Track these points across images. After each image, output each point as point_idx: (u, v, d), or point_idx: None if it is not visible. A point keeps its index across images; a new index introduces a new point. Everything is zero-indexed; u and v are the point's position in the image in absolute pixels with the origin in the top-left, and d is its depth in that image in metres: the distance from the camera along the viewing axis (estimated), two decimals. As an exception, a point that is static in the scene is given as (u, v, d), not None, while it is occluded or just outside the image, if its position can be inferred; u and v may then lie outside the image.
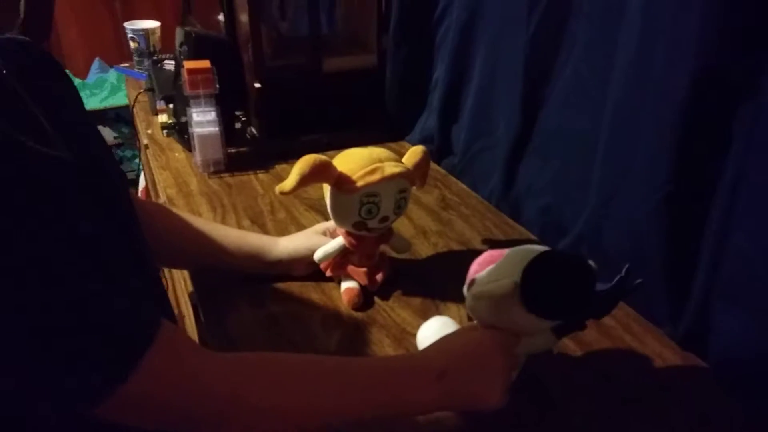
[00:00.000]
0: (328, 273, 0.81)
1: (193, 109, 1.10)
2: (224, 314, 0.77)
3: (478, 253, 0.63)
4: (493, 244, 0.96)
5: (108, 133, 2.37)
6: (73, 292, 0.41)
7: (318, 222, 0.91)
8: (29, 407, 0.48)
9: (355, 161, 0.73)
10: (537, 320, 0.55)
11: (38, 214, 0.41)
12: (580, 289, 0.55)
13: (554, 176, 0.94)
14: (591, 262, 0.56)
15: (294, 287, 0.82)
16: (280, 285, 0.82)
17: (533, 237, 0.98)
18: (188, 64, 1.08)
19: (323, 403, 0.53)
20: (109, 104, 2.35)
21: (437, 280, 0.84)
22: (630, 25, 0.73)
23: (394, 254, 0.86)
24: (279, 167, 1.17)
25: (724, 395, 0.68)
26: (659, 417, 0.65)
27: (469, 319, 0.66)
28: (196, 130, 1.11)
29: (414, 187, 0.79)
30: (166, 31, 1.80)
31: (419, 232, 0.97)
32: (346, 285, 0.80)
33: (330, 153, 0.73)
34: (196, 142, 1.12)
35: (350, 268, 0.80)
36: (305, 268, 0.82)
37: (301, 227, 0.92)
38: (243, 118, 1.32)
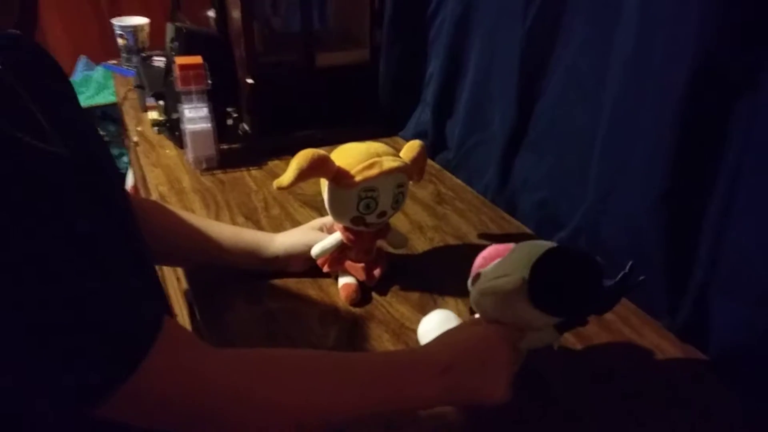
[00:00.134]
0: (326, 269, 0.81)
1: (185, 106, 1.09)
2: (221, 312, 0.76)
3: (475, 247, 0.63)
4: (490, 238, 0.95)
5: (95, 132, 2.34)
6: (71, 289, 0.41)
7: (312, 218, 0.90)
8: (27, 405, 0.47)
9: (352, 156, 0.72)
10: (542, 316, 0.55)
11: (35, 210, 0.40)
12: (587, 286, 0.55)
13: (550, 171, 0.94)
14: (598, 258, 0.55)
15: (291, 284, 0.81)
16: (277, 282, 0.81)
17: (529, 231, 0.98)
18: (180, 60, 1.07)
19: (323, 399, 0.52)
20: (95, 102, 2.32)
21: (434, 275, 0.84)
22: (628, 19, 0.73)
23: (391, 250, 0.85)
24: (272, 163, 1.17)
25: (723, 387, 0.68)
26: (660, 411, 0.65)
27: (471, 312, 0.65)
28: (188, 127, 1.09)
29: (410, 182, 0.79)
30: (154, 27, 1.78)
31: (415, 228, 0.96)
32: (343, 281, 0.80)
33: (324, 148, 0.72)
34: (188, 139, 1.11)
35: (348, 263, 0.80)
36: (302, 264, 0.81)
37: (295, 223, 0.91)
38: (235, 115, 1.31)
